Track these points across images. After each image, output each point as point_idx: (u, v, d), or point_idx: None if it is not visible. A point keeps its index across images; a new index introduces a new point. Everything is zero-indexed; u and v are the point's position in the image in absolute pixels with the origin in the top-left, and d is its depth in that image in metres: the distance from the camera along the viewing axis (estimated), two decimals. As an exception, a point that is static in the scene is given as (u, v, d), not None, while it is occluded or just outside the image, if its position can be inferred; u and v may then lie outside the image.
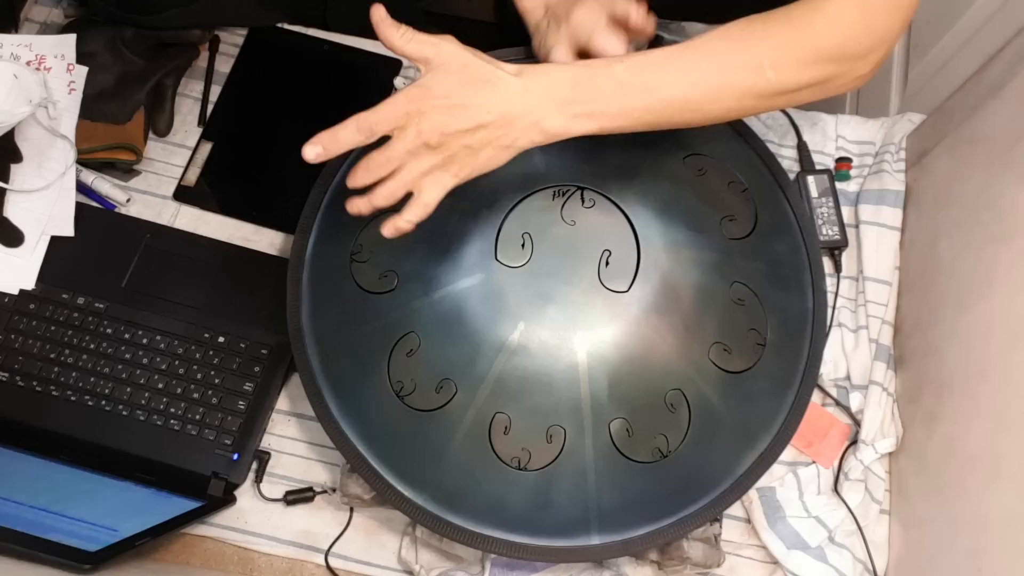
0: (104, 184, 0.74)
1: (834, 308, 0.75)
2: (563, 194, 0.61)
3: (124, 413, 0.68)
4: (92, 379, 0.68)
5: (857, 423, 0.72)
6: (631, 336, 0.58)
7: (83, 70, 0.75)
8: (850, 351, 0.74)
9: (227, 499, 0.66)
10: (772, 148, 0.72)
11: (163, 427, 0.67)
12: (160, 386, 0.68)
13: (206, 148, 0.78)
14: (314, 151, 0.49)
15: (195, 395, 0.68)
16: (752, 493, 0.69)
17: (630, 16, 0.55)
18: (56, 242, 0.72)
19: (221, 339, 0.70)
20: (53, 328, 0.69)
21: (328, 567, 0.66)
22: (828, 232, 0.76)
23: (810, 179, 0.78)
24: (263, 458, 0.68)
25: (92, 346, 0.69)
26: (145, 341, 0.69)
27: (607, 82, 0.49)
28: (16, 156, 0.72)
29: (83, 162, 0.74)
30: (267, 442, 0.70)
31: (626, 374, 0.58)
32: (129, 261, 0.72)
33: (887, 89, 1.05)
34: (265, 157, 0.79)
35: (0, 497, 0.56)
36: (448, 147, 0.49)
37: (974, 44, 0.87)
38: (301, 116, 0.81)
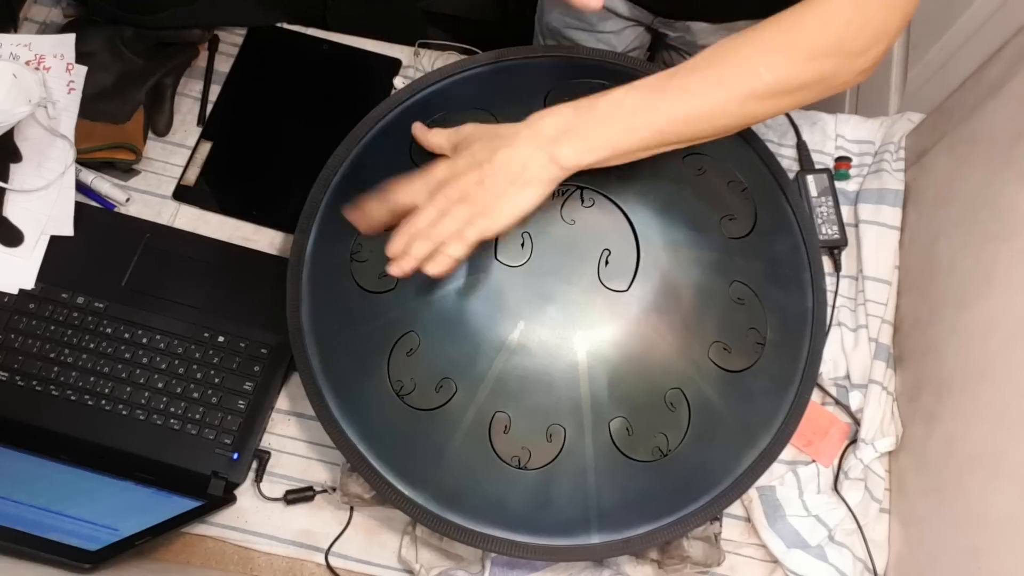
0: (103, 184, 0.74)
1: (834, 307, 0.75)
2: (562, 193, 0.61)
3: (124, 412, 0.68)
4: (92, 378, 0.68)
5: (857, 422, 0.72)
6: (631, 335, 0.58)
7: (82, 70, 0.75)
8: (850, 350, 0.74)
9: (227, 498, 0.66)
10: (772, 147, 0.72)
11: (163, 426, 0.67)
12: (160, 385, 0.68)
13: (205, 147, 0.78)
14: (353, 222, 0.56)
15: (195, 394, 0.68)
16: (752, 492, 0.69)
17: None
18: (56, 242, 0.72)
19: (221, 338, 0.70)
20: (53, 328, 0.69)
21: (328, 566, 0.66)
22: (827, 231, 0.77)
23: (809, 178, 0.78)
24: (263, 457, 0.69)
25: (92, 345, 0.69)
26: (145, 340, 0.70)
27: (607, 107, 0.51)
28: (15, 156, 0.72)
29: (82, 162, 0.74)
30: (267, 441, 0.70)
31: (626, 373, 0.58)
32: (129, 261, 0.72)
33: (886, 88, 1.05)
34: (265, 156, 0.79)
35: (0, 496, 0.56)
36: (475, 200, 0.52)
37: (973, 43, 0.87)
38: (301, 115, 0.81)
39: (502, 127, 0.53)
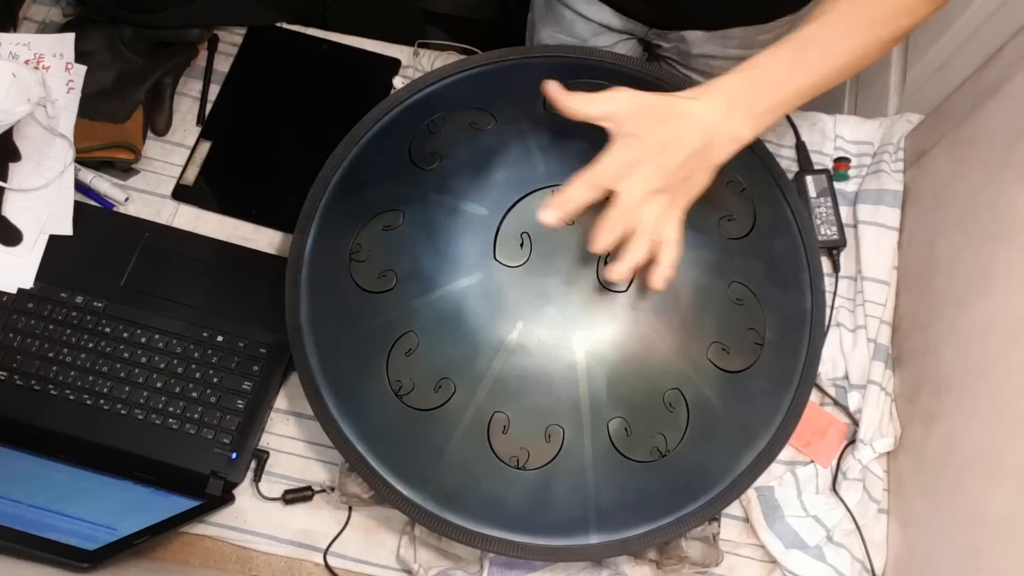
0: (103, 183, 0.74)
1: (832, 308, 0.75)
2: (562, 193, 0.61)
3: (123, 412, 0.68)
4: (91, 378, 0.68)
5: (855, 422, 0.72)
6: (630, 335, 0.58)
7: (82, 69, 0.75)
8: (848, 351, 0.74)
9: (226, 498, 0.66)
10: (771, 148, 0.72)
11: (162, 426, 0.67)
12: (159, 385, 0.68)
13: (205, 147, 0.78)
14: (553, 215, 0.51)
15: (194, 394, 0.68)
16: (750, 492, 0.69)
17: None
18: (55, 241, 0.72)
19: (220, 338, 0.70)
20: (51, 327, 0.69)
21: (327, 566, 0.66)
22: (826, 232, 0.77)
23: (808, 179, 0.78)
24: (262, 457, 0.69)
25: (91, 345, 0.69)
26: (144, 340, 0.69)
27: (776, 74, 0.52)
28: (15, 155, 0.72)
29: (82, 161, 0.74)
30: (266, 441, 0.70)
31: (625, 373, 0.58)
32: (128, 260, 0.72)
33: (885, 89, 1.05)
34: (264, 156, 0.79)
35: (-1, 496, 0.56)
36: (671, 184, 0.51)
37: (972, 44, 0.87)
38: (300, 115, 0.81)
39: (670, 101, 0.51)
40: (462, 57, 0.80)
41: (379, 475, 0.59)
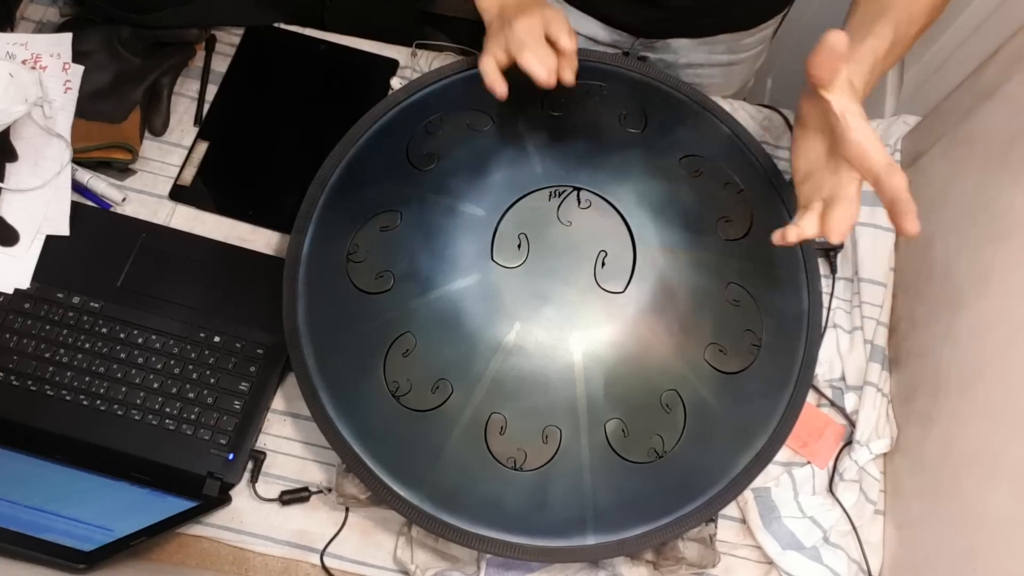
0: (100, 183, 0.74)
1: (829, 309, 0.75)
2: (559, 195, 0.61)
3: (119, 413, 0.68)
4: (87, 378, 0.68)
5: (852, 424, 0.72)
6: (627, 336, 0.58)
7: (79, 69, 0.75)
8: (845, 352, 0.74)
9: (222, 499, 0.66)
10: (768, 149, 0.73)
11: (158, 427, 0.67)
12: (155, 386, 0.68)
13: (202, 147, 0.78)
14: (795, 234, 0.52)
15: (191, 395, 0.68)
16: (747, 493, 0.69)
17: (559, 41, 0.58)
18: (51, 241, 0.72)
19: (217, 339, 0.70)
20: (48, 327, 0.69)
21: (324, 567, 0.66)
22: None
23: (806, 180, 0.78)
24: (259, 458, 0.68)
25: (87, 345, 0.69)
26: (140, 340, 0.69)
27: (881, 60, 0.55)
28: (11, 155, 0.72)
29: (79, 161, 0.74)
30: (263, 442, 0.70)
31: (622, 374, 0.58)
32: (125, 260, 0.72)
33: (883, 91, 1.05)
34: (261, 157, 0.79)
35: (-5, 497, 0.56)
36: None
37: (969, 46, 0.87)
38: (298, 116, 0.81)
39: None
40: (460, 58, 0.80)
41: (376, 476, 0.59)
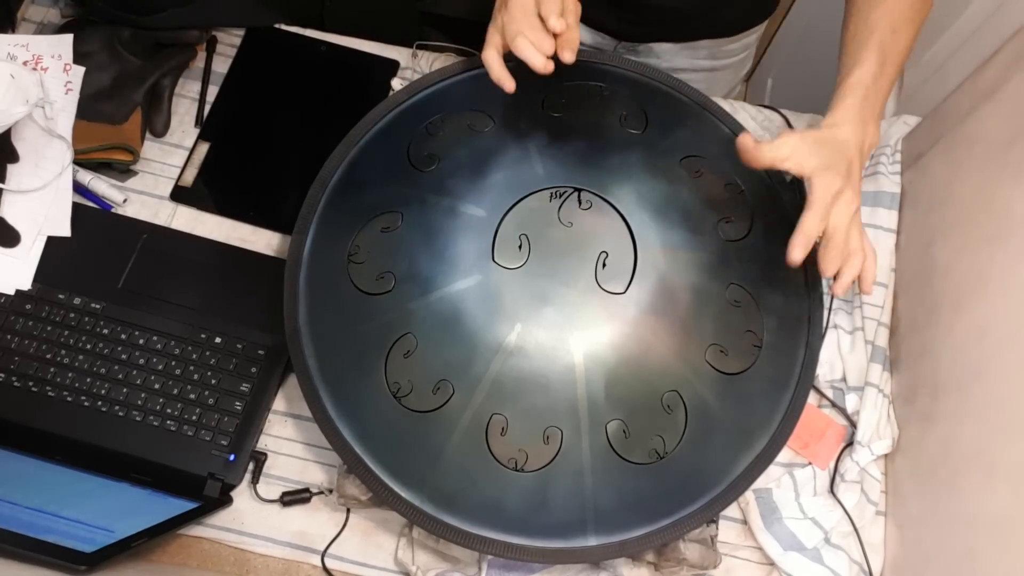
0: (101, 184, 0.74)
1: (830, 310, 0.75)
2: (560, 196, 0.61)
3: (120, 414, 0.68)
4: (88, 380, 0.68)
5: (853, 424, 0.72)
6: (628, 337, 0.58)
7: (80, 70, 0.75)
8: (846, 353, 0.74)
9: (223, 500, 0.66)
10: (769, 150, 0.72)
11: (159, 428, 0.67)
12: (156, 387, 0.68)
13: (203, 148, 0.78)
14: (801, 254, 0.57)
15: (191, 396, 0.68)
16: (748, 494, 0.69)
17: (547, 21, 0.57)
18: (52, 242, 0.72)
19: (218, 340, 0.70)
20: (49, 328, 0.69)
21: (324, 568, 0.66)
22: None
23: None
24: (260, 459, 0.68)
25: (88, 346, 0.69)
26: (142, 342, 0.69)
27: (875, 83, 0.60)
28: (12, 156, 0.72)
29: (80, 162, 0.74)
30: (264, 443, 0.70)
31: (623, 375, 0.58)
32: (126, 261, 0.72)
33: (883, 92, 1.05)
34: (262, 158, 0.79)
35: (-4, 498, 0.55)
36: (857, 202, 0.58)
37: (969, 47, 0.87)
38: (298, 117, 0.81)
39: (828, 133, 0.58)
40: (460, 59, 0.80)
41: (377, 477, 0.59)
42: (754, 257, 0.64)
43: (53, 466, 0.64)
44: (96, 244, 0.73)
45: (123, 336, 0.69)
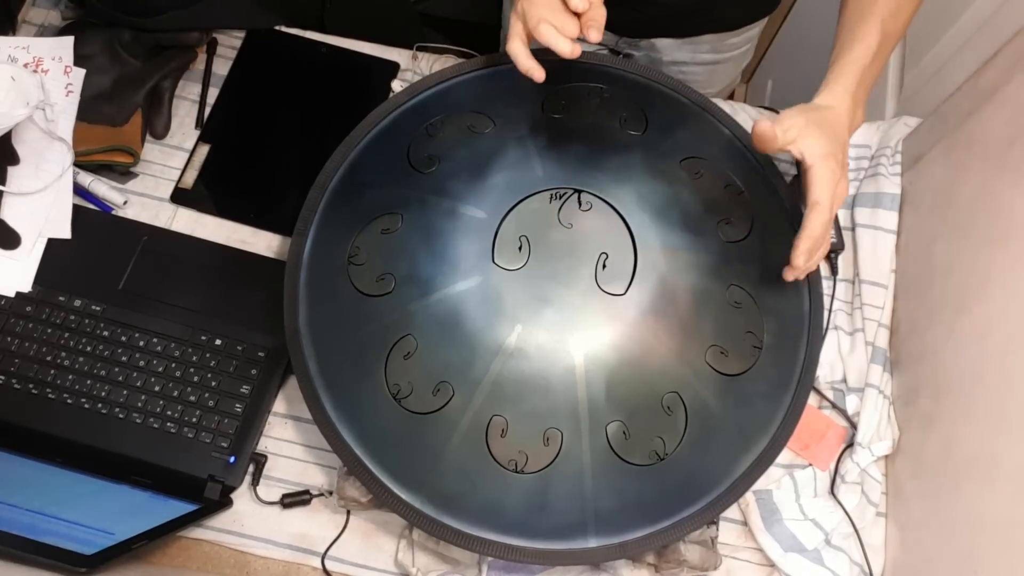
0: (101, 186, 0.74)
1: (830, 311, 0.75)
2: (560, 197, 0.61)
3: (120, 416, 0.68)
4: (88, 382, 0.68)
5: (853, 426, 0.72)
6: (628, 339, 0.58)
7: (81, 72, 0.75)
8: (846, 354, 0.74)
9: (223, 502, 0.66)
10: (769, 151, 0.72)
11: (159, 430, 0.67)
12: (157, 389, 0.68)
13: (203, 150, 0.78)
14: (805, 260, 0.57)
15: (192, 398, 0.68)
16: (749, 496, 0.69)
17: (569, 1, 0.56)
18: (53, 244, 0.72)
19: (218, 342, 0.70)
20: (49, 331, 0.69)
21: (324, 570, 0.66)
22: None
23: (806, 182, 0.78)
24: (260, 461, 0.68)
25: (89, 349, 0.69)
26: (142, 344, 0.69)
27: (872, 59, 0.59)
28: (13, 158, 0.72)
29: (80, 164, 0.74)
30: (264, 445, 0.70)
31: (623, 377, 0.58)
32: (126, 263, 0.72)
33: (883, 93, 1.05)
34: (263, 159, 0.79)
35: (-4, 500, 0.55)
36: (846, 189, 0.58)
37: (969, 48, 0.87)
38: (299, 118, 0.81)
39: (823, 113, 0.57)
40: (460, 60, 0.80)
41: (377, 479, 0.59)
42: (754, 258, 0.63)
43: (53, 468, 0.64)
44: (96, 246, 0.73)
45: (123, 338, 0.69)
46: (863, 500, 0.70)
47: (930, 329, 0.70)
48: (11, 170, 0.72)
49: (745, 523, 0.70)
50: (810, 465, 0.71)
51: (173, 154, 0.78)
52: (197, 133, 0.79)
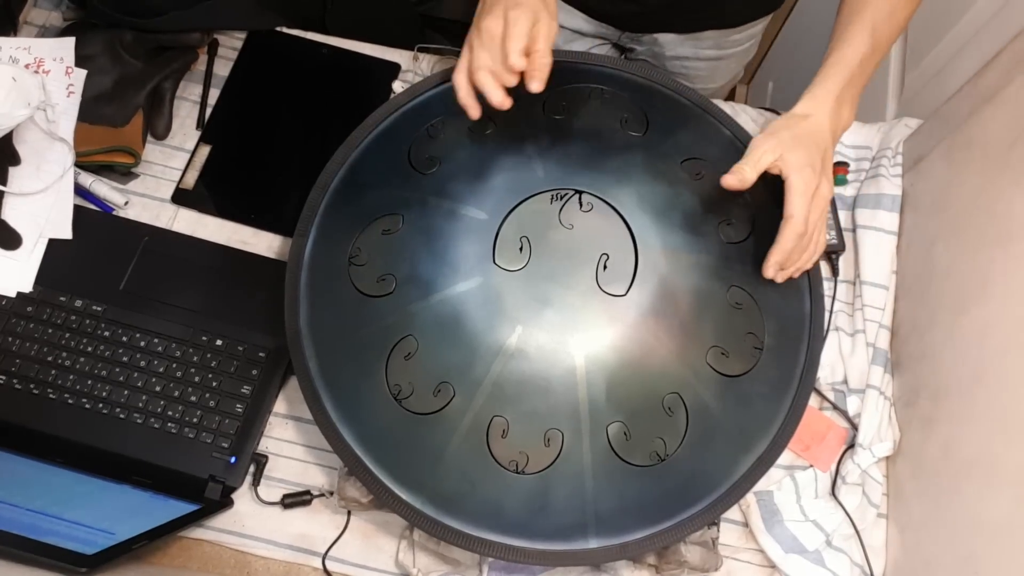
0: (102, 187, 0.74)
1: (831, 312, 0.75)
2: (561, 198, 0.61)
3: (121, 416, 0.68)
4: (89, 382, 0.68)
5: (854, 427, 0.72)
6: (629, 340, 0.58)
7: (82, 73, 0.75)
8: (847, 355, 0.74)
9: (224, 502, 0.66)
10: (769, 152, 0.72)
11: (160, 430, 0.67)
12: (157, 389, 0.68)
13: (204, 151, 0.78)
14: (774, 272, 0.60)
15: (192, 398, 0.68)
16: (750, 497, 0.69)
17: (509, 58, 0.57)
18: (54, 245, 0.72)
19: (219, 342, 0.70)
20: (50, 331, 0.69)
21: (325, 570, 0.66)
22: (825, 236, 0.77)
23: (807, 183, 0.78)
24: (260, 461, 0.68)
25: (89, 349, 0.69)
26: (143, 344, 0.69)
27: (861, 62, 0.60)
28: (14, 159, 0.72)
29: (81, 165, 0.74)
30: (264, 445, 0.70)
31: (624, 378, 0.58)
32: (127, 264, 0.72)
33: (884, 94, 1.05)
34: (263, 160, 0.79)
35: (-3, 500, 0.55)
36: (831, 186, 0.59)
37: (970, 49, 0.87)
38: (300, 119, 0.81)
39: (801, 125, 0.59)
40: (461, 62, 0.80)
41: (378, 479, 0.59)
42: (755, 259, 0.63)
43: (54, 468, 0.64)
44: (97, 247, 0.73)
45: (124, 339, 0.69)
46: (864, 501, 0.70)
47: (930, 330, 0.70)
48: (12, 170, 0.72)
49: (746, 524, 0.70)
50: (811, 466, 0.71)
51: (174, 155, 0.78)
52: (198, 134, 0.79)
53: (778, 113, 0.83)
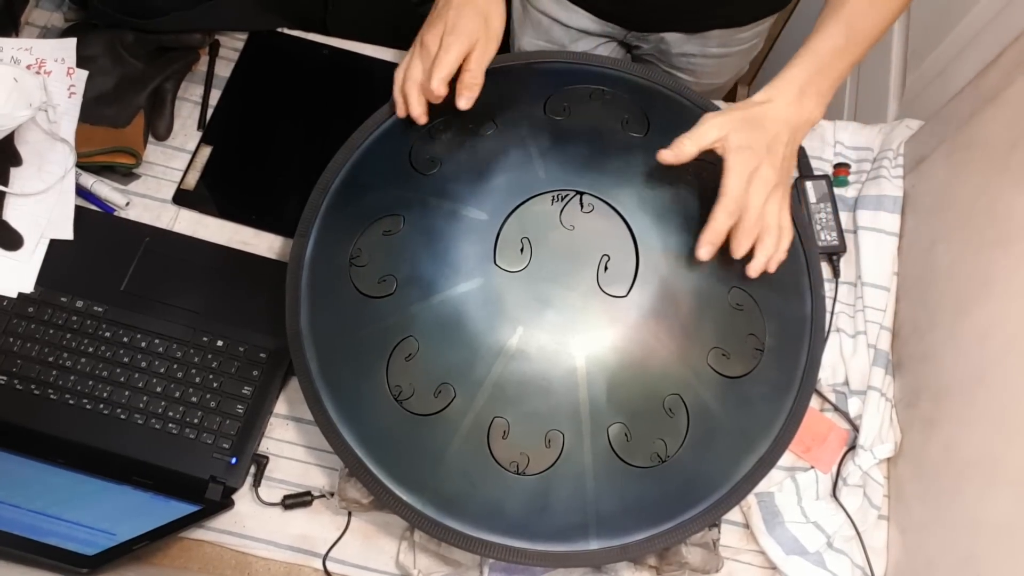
0: (103, 187, 0.75)
1: (832, 313, 0.75)
2: (562, 199, 0.61)
3: (122, 416, 0.68)
4: (90, 382, 0.68)
5: (855, 428, 0.72)
6: (630, 341, 0.58)
7: (83, 74, 0.75)
8: (848, 356, 0.74)
9: (225, 503, 0.66)
10: (770, 153, 0.72)
11: (161, 431, 0.67)
12: (158, 390, 0.68)
13: (205, 152, 0.78)
14: (708, 251, 0.57)
15: (193, 399, 0.68)
16: (751, 498, 0.69)
17: (431, 81, 0.61)
18: (55, 245, 0.72)
19: (220, 343, 0.70)
20: (51, 331, 0.69)
21: (326, 571, 0.66)
22: (826, 237, 0.77)
23: (808, 184, 0.78)
24: (261, 462, 0.68)
25: (90, 349, 0.69)
26: (144, 344, 0.69)
27: (833, 54, 0.59)
28: (16, 159, 0.72)
29: (82, 165, 0.74)
30: (265, 446, 0.70)
31: (625, 379, 0.58)
32: (128, 264, 0.72)
33: (885, 95, 1.05)
34: (264, 161, 0.79)
35: (-3, 500, 0.56)
36: (781, 178, 0.58)
37: (971, 51, 0.87)
38: (301, 120, 0.81)
39: (754, 108, 0.58)
40: (462, 63, 0.80)
41: (378, 480, 0.59)
42: (756, 260, 0.63)
43: (55, 469, 0.64)
44: (99, 247, 0.73)
45: (125, 339, 0.69)
46: (865, 503, 0.70)
47: (932, 331, 0.70)
48: (14, 171, 0.72)
49: (747, 526, 0.70)
50: (812, 468, 0.71)
51: (175, 155, 0.78)
52: (199, 134, 0.79)
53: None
